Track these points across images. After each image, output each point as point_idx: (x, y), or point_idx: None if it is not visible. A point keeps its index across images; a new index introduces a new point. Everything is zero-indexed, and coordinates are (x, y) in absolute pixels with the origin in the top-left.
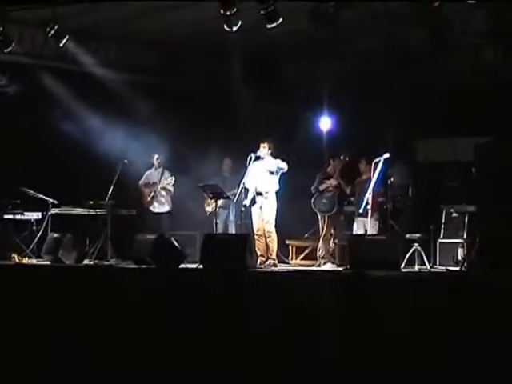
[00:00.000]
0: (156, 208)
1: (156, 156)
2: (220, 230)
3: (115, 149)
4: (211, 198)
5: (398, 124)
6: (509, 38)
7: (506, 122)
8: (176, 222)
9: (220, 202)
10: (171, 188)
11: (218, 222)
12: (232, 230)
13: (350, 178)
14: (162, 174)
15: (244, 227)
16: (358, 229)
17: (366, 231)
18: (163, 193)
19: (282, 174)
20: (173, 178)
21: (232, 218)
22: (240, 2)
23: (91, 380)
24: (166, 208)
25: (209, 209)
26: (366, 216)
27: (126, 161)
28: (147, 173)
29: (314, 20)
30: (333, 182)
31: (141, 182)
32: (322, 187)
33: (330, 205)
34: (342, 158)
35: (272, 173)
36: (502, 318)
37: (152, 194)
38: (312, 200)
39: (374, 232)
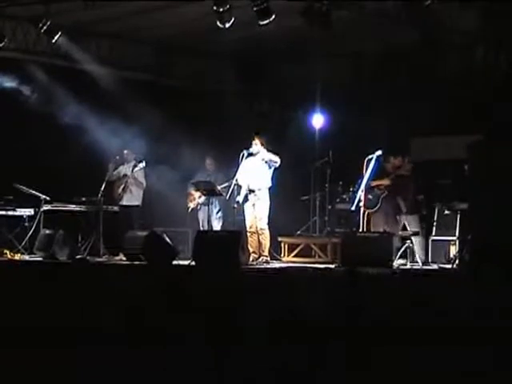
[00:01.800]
0: (125, 201)
1: (126, 151)
2: (205, 227)
3: (107, 145)
4: (204, 195)
5: (390, 122)
6: (500, 38)
7: (498, 120)
8: (158, 217)
9: (202, 198)
10: (143, 180)
11: (201, 218)
12: (216, 226)
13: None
14: (134, 167)
15: (236, 224)
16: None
17: (404, 228)
18: (134, 185)
19: (275, 169)
20: (143, 163)
21: (215, 214)
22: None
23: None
24: (135, 201)
25: (191, 205)
26: (412, 213)
27: (117, 157)
28: (119, 168)
29: (306, 18)
30: (386, 181)
31: (113, 176)
32: (373, 183)
33: (374, 202)
34: (401, 158)
35: (267, 162)
36: (492, 315)
37: (123, 185)
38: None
39: (414, 229)
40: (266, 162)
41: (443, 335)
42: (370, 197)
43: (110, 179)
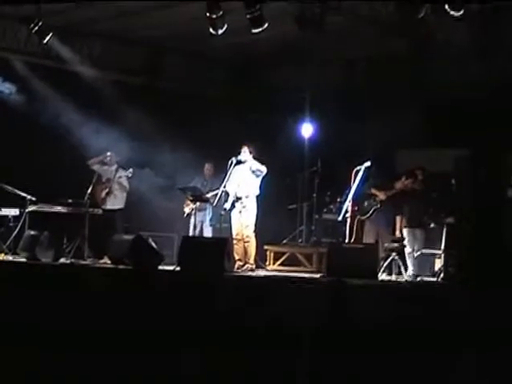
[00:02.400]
0: (109, 205)
1: (109, 153)
2: (196, 232)
3: (95, 147)
4: (191, 201)
5: (379, 133)
6: (491, 53)
7: (485, 134)
8: (144, 222)
9: (198, 203)
10: (126, 184)
11: (195, 223)
12: (208, 232)
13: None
14: (117, 171)
15: (223, 231)
16: (409, 241)
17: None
18: (118, 189)
19: (263, 178)
20: (130, 170)
21: (208, 220)
22: (226, 5)
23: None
24: (119, 205)
25: (187, 209)
26: (418, 226)
27: (107, 158)
28: (101, 170)
29: (299, 25)
30: (382, 196)
31: (94, 179)
32: (372, 191)
33: (366, 210)
34: (413, 179)
35: (253, 172)
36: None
37: (107, 190)
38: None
39: (422, 244)
40: (252, 171)
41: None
42: (365, 203)
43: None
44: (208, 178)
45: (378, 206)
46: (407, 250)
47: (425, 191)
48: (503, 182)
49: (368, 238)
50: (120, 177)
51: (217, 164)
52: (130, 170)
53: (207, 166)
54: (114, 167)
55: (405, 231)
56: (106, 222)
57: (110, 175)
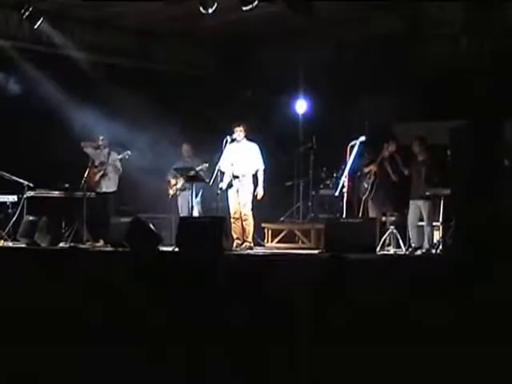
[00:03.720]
0: (103, 188)
1: (101, 137)
2: (185, 213)
3: (87, 130)
4: (186, 181)
5: (374, 107)
6: (484, 29)
7: (480, 105)
8: (142, 204)
9: (180, 184)
10: (119, 166)
11: (180, 203)
12: (196, 212)
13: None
14: (109, 154)
15: (219, 210)
16: (413, 213)
17: (421, 215)
18: (112, 171)
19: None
20: (128, 151)
21: (195, 199)
22: None
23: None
24: (112, 188)
25: (171, 192)
26: (422, 198)
27: (99, 142)
28: (93, 154)
29: (289, 4)
30: (373, 167)
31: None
32: (366, 170)
33: (367, 189)
34: (390, 143)
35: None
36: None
37: (101, 172)
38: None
39: (431, 216)
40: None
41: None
42: (364, 184)
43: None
44: (188, 159)
45: (374, 178)
46: (409, 222)
47: (426, 162)
48: (499, 151)
49: (373, 214)
50: (114, 159)
51: (212, 144)
52: (128, 151)
53: (185, 147)
54: (106, 150)
55: (410, 203)
56: (101, 205)
57: (104, 158)
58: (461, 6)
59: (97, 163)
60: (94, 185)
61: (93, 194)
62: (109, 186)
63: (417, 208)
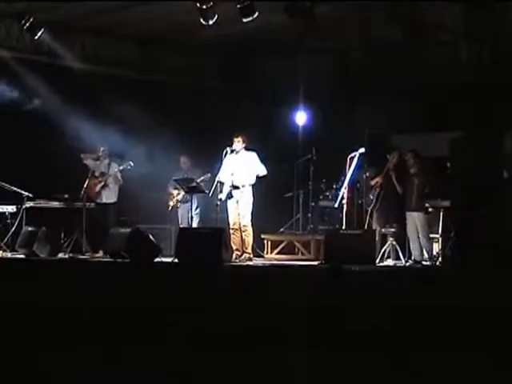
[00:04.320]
0: (103, 199)
1: (102, 148)
2: (185, 224)
3: (88, 140)
4: (186, 192)
5: (374, 119)
6: (484, 36)
7: (479, 117)
8: (142, 215)
9: (181, 196)
10: (120, 177)
11: (180, 215)
12: (194, 222)
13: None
14: (109, 165)
15: (219, 221)
16: (409, 225)
17: (416, 227)
18: (112, 182)
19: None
20: (130, 162)
21: (195, 211)
22: None
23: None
24: (113, 199)
25: (171, 203)
26: (415, 210)
27: (99, 153)
28: (93, 165)
29: (290, 14)
30: (379, 179)
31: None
32: (372, 182)
33: (373, 200)
34: (393, 155)
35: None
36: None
37: (102, 183)
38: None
39: (426, 228)
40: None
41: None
42: (369, 196)
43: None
44: (187, 171)
45: (380, 190)
46: (409, 234)
47: (419, 174)
48: (498, 163)
49: (377, 226)
50: (115, 170)
51: (211, 154)
52: (130, 162)
53: (183, 159)
54: (107, 161)
55: (406, 215)
56: (101, 216)
57: (104, 169)
58: (461, 11)
59: (97, 174)
60: (94, 195)
61: (92, 205)
62: (109, 196)
63: (412, 219)
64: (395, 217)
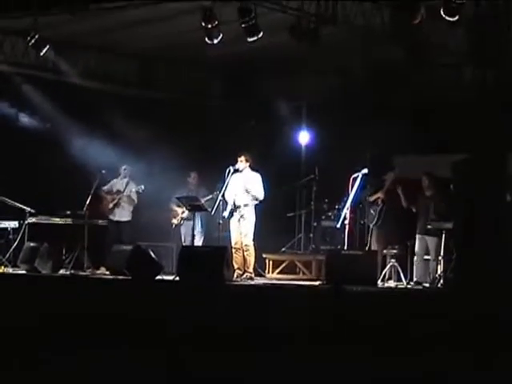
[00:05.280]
0: (116, 216)
1: (124, 166)
2: (188, 242)
3: (93, 159)
4: (189, 210)
5: (376, 139)
6: (488, 57)
7: (482, 139)
8: (143, 232)
9: (185, 214)
10: (135, 198)
11: (183, 233)
12: (198, 241)
13: (412, 195)
14: (127, 184)
15: (221, 240)
16: (418, 247)
17: (427, 249)
18: (126, 202)
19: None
20: (142, 186)
21: (199, 229)
22: (221, 15)
23: None
24: (126, 217)
25: (174, 221)
26: (429, 234)
27: (103, 171)
28: (112, 182)
29: (294, 34)
30: (380, 194)
31: (104, 188)
32: (371, 198)
33: (374, 216)
34: (388, 175)
35: (247, 191)
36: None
37: (115, 201)
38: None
39: (438, 252)
40: (247, 190)
41: None
42: (371, 211)
43: (99, 193)
44: (193, 187)
45: (382, 205)
46: (416, 254)
47: (433, 197)
48: (501, 186)
49: (376, 244)
50: (130, 190)
51: (214, 173)
52: (142, 186)
53: (192, 175)
54: (126, 180)
55: (417, 238)
56: (113, 233)
57: (121, 187)
58: (465, 34)
59: (114, 190)
60: (106, 211)
61: (96, 221)
62: (122, 215)
63: (423, 242)
64: (397, 237)
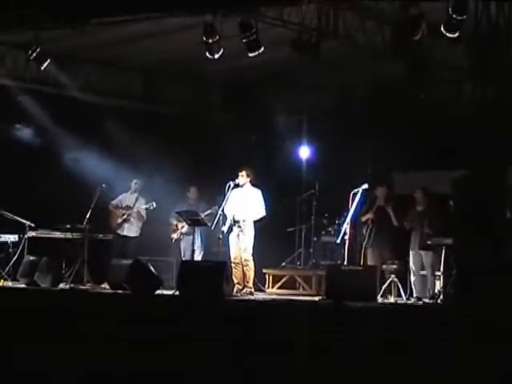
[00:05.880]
0: (125, 231)
1: (135, 181)
2: (187, 256)
3: (93, 173)
4: (189, 225)
5: (376, 155)
6: (488, 74)
7: (482, 155)
8: (144, 247)
9: (185, 228)
10: (144, 214)
11: (183, 247)
12: (198, 255)
13: (402, 212)
14: (137, 199)
15: (220, 255)
16: (413, 263)
17: (423, 264)
18: (136, 217)
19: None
20: (153, 203)
21: (198, 243)
22: (222, 30)
23: None
24: (134, 233)
25: (174, 235)
26: (423, 248)
27: (103, 185)
28: (121, 196)
29: (295, 49)
30: (370, 215)
31: (113, 202)
32: (363, 219)
33: (365, 236)
34: (378, 190)
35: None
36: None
37: (124, 216)
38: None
39: (435, 267)
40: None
41: None
42: (363, 231)
43: (105, 206)
44: (193, 202)
45: (371, 226)
46: (412, 270)
47: (426, 212)
48: (502, 202)
49: (372, 262)
50: (140, 206)
51: (214, 187)
52: (154, 203)
53: (192, 190)
54: (136, 195)
55: (411, 253)
56: (117, 248)
57: (130, 203)
58: (465, 50)
59: (123, 205)
60: (114, 226)
61: (96, 235)
62: (130, 230)
63: (418, 257)
64: (392, 254)
